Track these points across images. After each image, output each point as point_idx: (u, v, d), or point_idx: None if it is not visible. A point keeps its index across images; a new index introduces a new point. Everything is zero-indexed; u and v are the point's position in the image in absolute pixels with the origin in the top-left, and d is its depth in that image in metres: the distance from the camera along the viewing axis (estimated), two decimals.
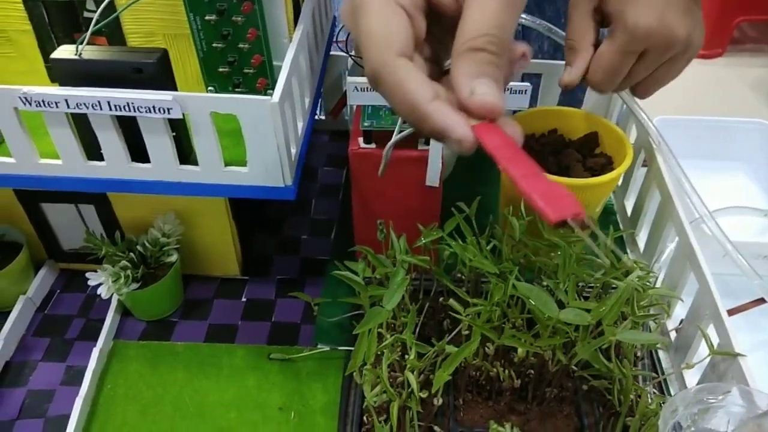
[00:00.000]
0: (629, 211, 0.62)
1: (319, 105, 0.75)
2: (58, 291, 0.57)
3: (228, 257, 0.56)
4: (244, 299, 0.56)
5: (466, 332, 0.43)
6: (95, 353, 0.50)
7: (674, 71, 0.48)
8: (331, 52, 0.64)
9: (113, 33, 0.49)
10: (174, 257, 0.52)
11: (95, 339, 0.51)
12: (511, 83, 0.41)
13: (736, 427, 0.31)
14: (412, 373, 0.39)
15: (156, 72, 0.41)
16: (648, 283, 0.46)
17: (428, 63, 0.32)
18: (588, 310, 0.39)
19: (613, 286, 0.44)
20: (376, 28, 0.29)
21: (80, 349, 0.52)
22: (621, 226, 0.63)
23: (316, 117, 0.75)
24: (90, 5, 0.48)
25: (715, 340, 0.43)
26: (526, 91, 0.41)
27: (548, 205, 0.25)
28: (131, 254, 0.51)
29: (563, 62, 0.64)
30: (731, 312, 0.56)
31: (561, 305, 0.40)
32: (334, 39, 0.63)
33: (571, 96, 0.75)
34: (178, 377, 0.50)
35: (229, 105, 0.40)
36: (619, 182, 0.66)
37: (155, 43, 0.50)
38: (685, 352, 0.47)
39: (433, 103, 0.28)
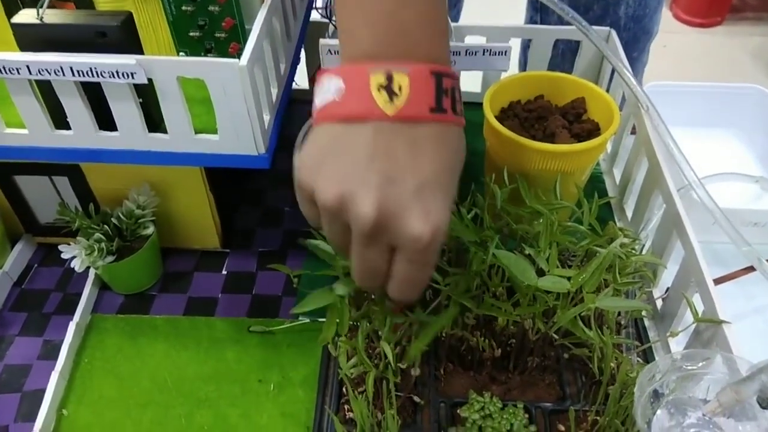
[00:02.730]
0: (617, 179, 0.61)
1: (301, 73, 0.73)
2: (36, 265, 0.56)
3: (207, 230, 0.55)
4: (224, 272, 0.55)
5: (446, 303, 0.42)
6: (72, 327, 0.49)
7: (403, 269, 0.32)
8: (312, 19, 0.62)
9: None
10: (150, 230, 0.51)
11: (73, 313, 0.50)
12: (492, 44, 0.39)
13: (716, 394, 0.30)
14: (389, 344, 0.38)
15: (120, 36, 0.39)
16: (633, 251, 0.45)
17: None
18: (568, 278, 0.38)
19: (597, 253, 0.43)
20: None
21: (58, 324, 0.51)
22: (609, 194, 0.62)
23: (299, 86, 0.73)
24: None
25: (701, 308, 0.42)
26: (506, 52, 0.39)
27: None
28: (106, 227, 0.50)
29: (553, 27, 0.62)
30: (720, 280, 0.55)
31: (542, 274, 0.39)
32: (314, 5, 0.61)
33: (563, 62, 0.74)
34: (157, 350, 0.49)
35: (195, 69, 0.38)
36: (608, 149, 0.65)
37: (125, 6, 0.48)
38: (671, 321, 0.46)
39: None
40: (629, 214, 0.57)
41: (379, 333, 0.40)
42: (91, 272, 0.53)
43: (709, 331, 0.40)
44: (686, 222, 0.45)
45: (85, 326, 0.51)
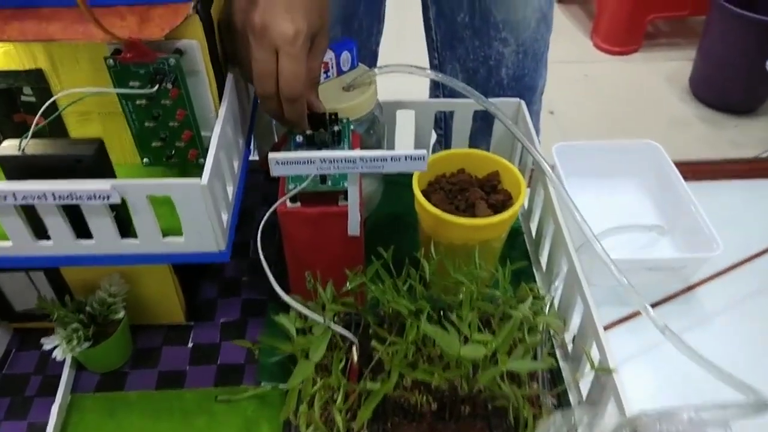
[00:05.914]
0: (534, 233, 0.70)
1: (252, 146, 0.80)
2: (14, 350, 0.60)
3: (173, 306, 0.61)
4: (190, 344, 0.61)
5: (388, 368, 0.49)
6: (55, 409, 0.54)
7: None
8: None
9: (50, 113, 0.53)
10: (121, 314, 0.57)
11: (53, 395, 0.55)
12: (412, 151, 0.47)
13: None
14: (340, 412, 0.45)
15: (94, 161, 0.45)
16: (542, 309, 0.54)
17: None
18: (486, 343, 0.46)
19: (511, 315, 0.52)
20: None
21: (40, 405, 0.56)
22: (528, 246, 0.71)
23: (251, 158, 0.79)
24: (27, 91, 0.52)
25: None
26: (423, 157, 0.47)
27: None
28: (81, 315, 0.55)
29: (465, 100, 0.70)
30: (620, 321, 0.65)
31: (466, 339, 0.47)
32: None
33: (481, 139, 0.83)
34: (134, 424, 0.55)
35: (163, 188, 0.45)
36: (525, 206, 0.74)
37: (90, 119, 0.54)
38: (578, 363, 0.55)
39: None
40: (544, 265, 0.66)
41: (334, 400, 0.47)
42: (69, 356, 0.58)
43: (603, 377, 0.49)
44: (583, 280, 0.54)
45: (66, 406, 0.56)
